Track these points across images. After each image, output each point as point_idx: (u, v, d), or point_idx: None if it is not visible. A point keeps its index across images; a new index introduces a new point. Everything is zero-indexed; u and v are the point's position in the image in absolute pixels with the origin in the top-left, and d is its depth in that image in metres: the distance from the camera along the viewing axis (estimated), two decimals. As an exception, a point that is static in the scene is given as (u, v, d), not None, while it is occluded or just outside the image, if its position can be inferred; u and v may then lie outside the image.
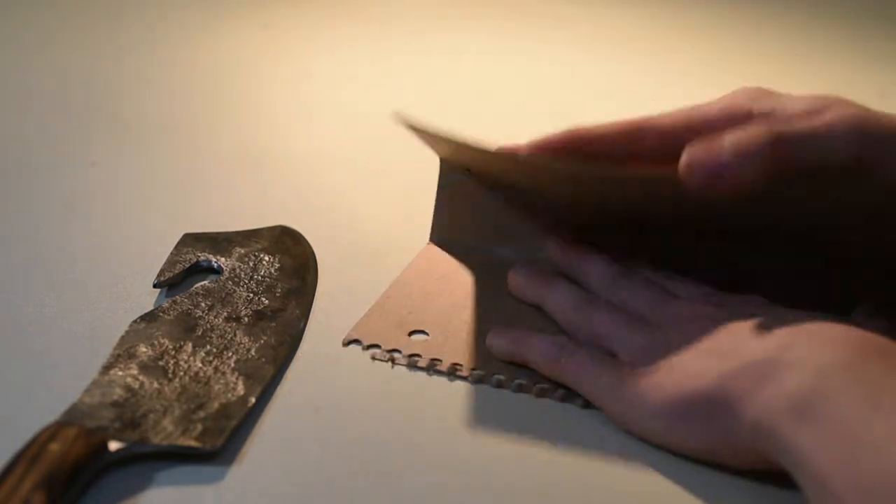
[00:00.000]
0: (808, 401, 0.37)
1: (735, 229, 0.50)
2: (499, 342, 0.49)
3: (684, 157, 0.44)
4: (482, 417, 0.46)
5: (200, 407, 0.45)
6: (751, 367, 0.40)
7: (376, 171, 0.69)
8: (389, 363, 0.49)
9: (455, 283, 0.55)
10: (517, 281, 0.53)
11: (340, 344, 0.50)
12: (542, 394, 0.47)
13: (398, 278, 0.55)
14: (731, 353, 0.41)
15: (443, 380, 0.48)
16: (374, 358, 0.49)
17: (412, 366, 0.49)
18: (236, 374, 0.47)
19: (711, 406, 0.41)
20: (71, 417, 0.43)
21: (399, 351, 0.50)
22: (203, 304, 0.52)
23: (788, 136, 0.43)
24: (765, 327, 0.42)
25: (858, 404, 0.36)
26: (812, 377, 0.38)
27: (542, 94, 0.84)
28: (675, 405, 0.42)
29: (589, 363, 0.46)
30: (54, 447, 0.40)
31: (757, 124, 0.44)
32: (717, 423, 0.41)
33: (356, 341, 0.50)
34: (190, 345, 0.49)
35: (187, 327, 0.50)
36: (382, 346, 0.50)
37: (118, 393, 0.45)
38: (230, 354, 0.48)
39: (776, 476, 0.40)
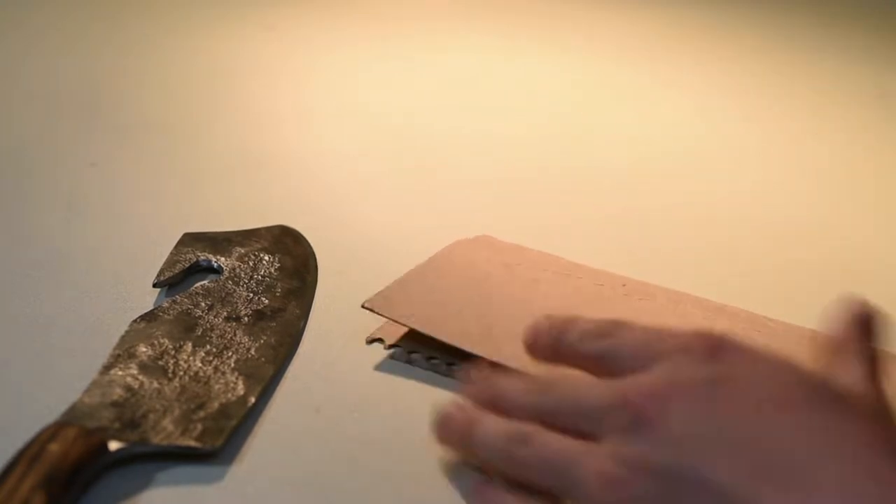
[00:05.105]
0: None
1: None
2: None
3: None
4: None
5: (200, 407, 0.45)
6: None
7: (376, 171, 0.69)
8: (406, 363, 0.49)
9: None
10: (442, 423, 0.44)
11: (340, 344, 0.50)
12: None
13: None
14: None
15: (443, 379, 0.48)
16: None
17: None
18: (236, 373, 0.47)
19: None
20: (71, 417, 0.43)
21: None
22: (203, 304, 0.52)
23: None
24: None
25: None
26: None
27: (542, 94, 0.84)
28: None
29: None
30: (54, 447, 0.40)
31: None
32: None
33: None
34: (190, 344, 0.49)
35: (187, 327, 0.50)
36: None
37: (118, 393, 0.45)
38: (230, 354, 0.48)
39: None
